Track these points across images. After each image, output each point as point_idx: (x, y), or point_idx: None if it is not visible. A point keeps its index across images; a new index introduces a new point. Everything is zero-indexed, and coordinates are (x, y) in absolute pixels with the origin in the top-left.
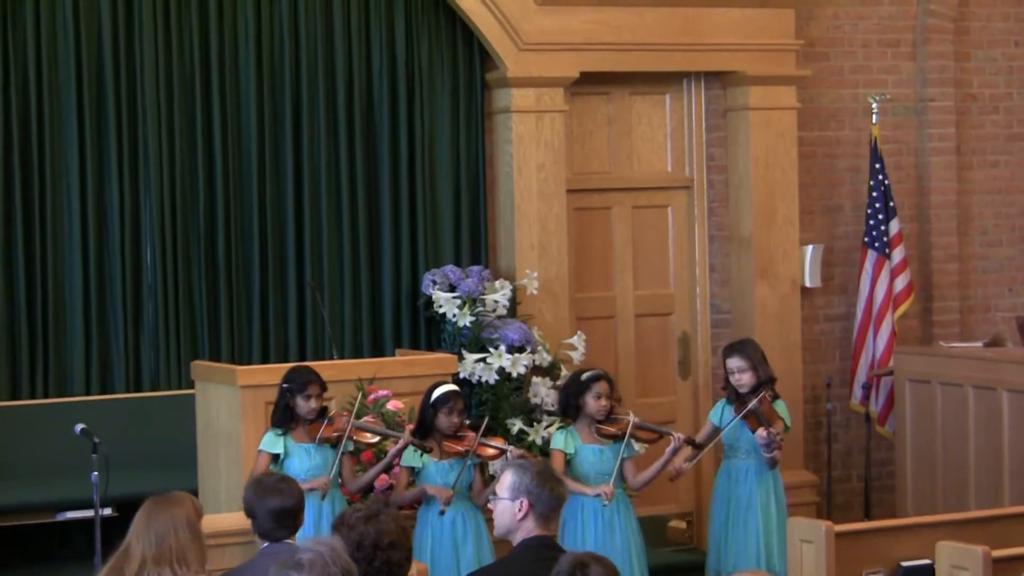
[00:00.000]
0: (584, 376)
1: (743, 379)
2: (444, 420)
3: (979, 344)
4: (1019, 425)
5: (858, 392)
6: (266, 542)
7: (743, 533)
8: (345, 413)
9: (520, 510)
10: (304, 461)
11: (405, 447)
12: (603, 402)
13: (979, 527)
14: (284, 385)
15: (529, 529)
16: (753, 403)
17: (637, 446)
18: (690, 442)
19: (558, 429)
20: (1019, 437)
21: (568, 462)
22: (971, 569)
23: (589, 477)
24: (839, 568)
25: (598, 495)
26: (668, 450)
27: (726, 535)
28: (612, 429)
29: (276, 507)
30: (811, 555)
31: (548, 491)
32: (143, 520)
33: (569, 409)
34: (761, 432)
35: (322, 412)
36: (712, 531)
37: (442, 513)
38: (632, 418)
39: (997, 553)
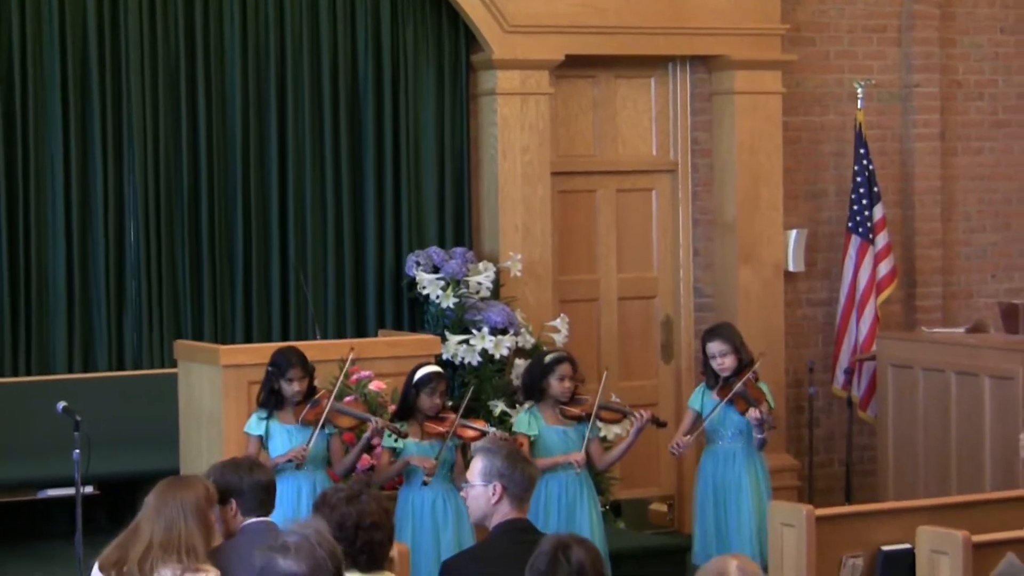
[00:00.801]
0: (547, 359)
1: (726, 362)
2: (426, 401)
3: (962, 330)
4: (1000, 411)
5: (840, 377)
6: (248, 519)
7: (736, 517)
8: (325, 395)
9: (494, 494)
10: (285, 443)
11: (380, 431)
12: (567, 384)
13: (960, 512)
14: (269, 368)
15: (505, 512)
16: (739, 386)
17: (602, 427)
18: (655, 421)
19: (522, 412)
20: (1000, 423)
21: (532, 444)
22: (951, 554)
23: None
24: (820, 552)
25: (570, 464)
26: (633, 430)
27: (716, 520)
28: (576, 410)
29: (262, 482)
30: (792, 539)
31: (520, 472)
32: (154, 502)
33: (533, 392)
34: (753, 412)
35: (309, 394)
36: (700, 517)
37: (425, 483)
38: (597, 398)
39: (977, 538)
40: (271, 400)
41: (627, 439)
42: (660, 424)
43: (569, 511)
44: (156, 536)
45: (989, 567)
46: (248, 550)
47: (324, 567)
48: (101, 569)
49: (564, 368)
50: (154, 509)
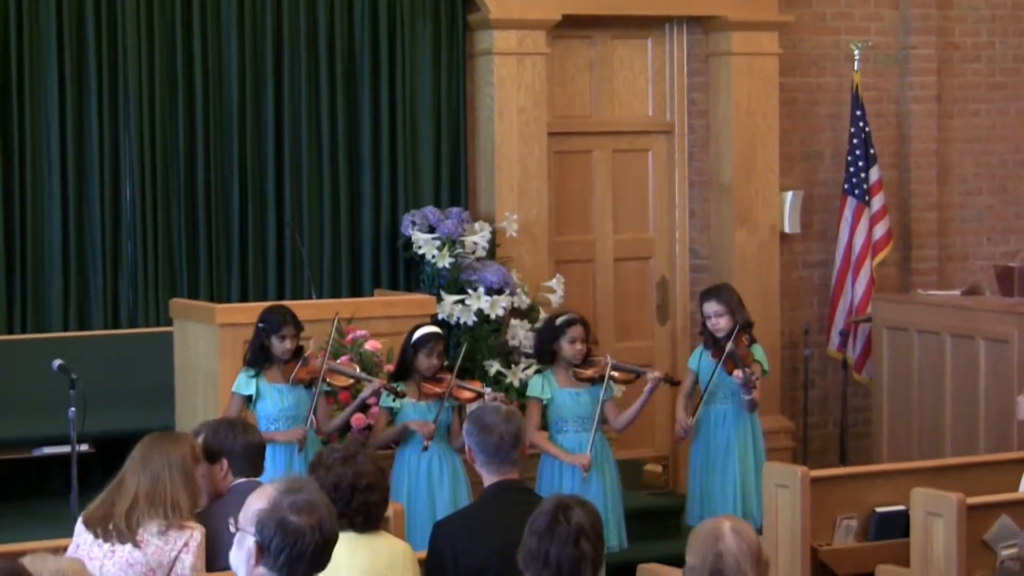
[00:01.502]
0: (559, 321)
1: (720, 323)
2: (424, 361)
3: (957, 292)
4: (995, 374)
5: (835, 339)
6: (238, 480)
7: (721, 479)
8: (320, 354)
9: (471, 458)
10: (276, 402)
11: (378, 391)
12: (578, 346)
13: (954, 474)
14: (259, 325)
15: (489, 475)
16: (729, 346)
17: (615, 387)
18: (667, 379)
19: (535, 375)
20: (995, 386)
21: (545, 407)
22: (945, 516)
23: (567, 421)
24: (814, 513)
25: (574, 465)
26: (646, 389)
27: (706, 481)
28: (589, 372)
29: (254, 443)
30: (786, 500)
31: (479, 433)
32: (140, 456)
33: (544, 354)
34: (737, 372)
35: (297, 352)
36: (692, 477)
37: (425, 448)
38: (609, 359)
39: (971, 500)
40: (260, 358)
41: (640, 398)
42: (673, 383)
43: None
44: (142, 489)
45: (983, 529)
46: (235, 509)
47: (327, 527)
48: (87, 524)
49: (575, 330)
50: (139, 463)
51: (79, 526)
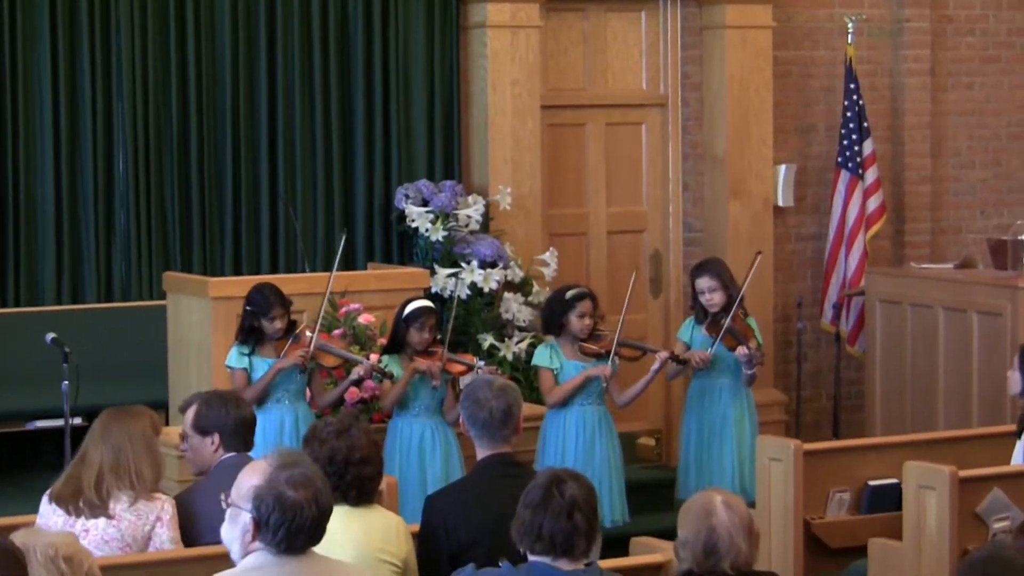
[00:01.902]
0: (569, 294)
1: (714, 298)
2: (415, 335)
3: (950, 266)
4: (988, 347)
5: (829, 312)
6: (226, 455)
7: (718, 452)
8: (311, 329)
9: (466, 432)
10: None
11: (368, 374)
12: (587, 321)
13: (947, 447)
14: (248, 308)
15: (482, 448)
16: (727, 321)
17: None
18: (674, 359)
19: (540, 345)
20: (988, 359)
21: (555, 377)
22: (938, 489)
23: (574, 395)
24: (807, 487)
25: (597, 376)
26: (653, 368)
27: (700, 454)
28: (595, 347)
29: (246, 417)
30: (779, 473)
31: (471, 407)
32: (99, 430)
33: (552, 327)
34: (742, 349)
35: (290, 328)
36: (684, 451)
37: (435, 388)
38: (618, 335)
39: (964, 473)
40: (252, 338)
41: (646, 376)
42: (680, 362)
43: (588, 446)
44: (105, 461)
45: (975, 502)
46: (223, 484)
47: (323, 501)
48: (57, 502)
49: (584, 305)
50: (99, 436)
51: (44, 506)
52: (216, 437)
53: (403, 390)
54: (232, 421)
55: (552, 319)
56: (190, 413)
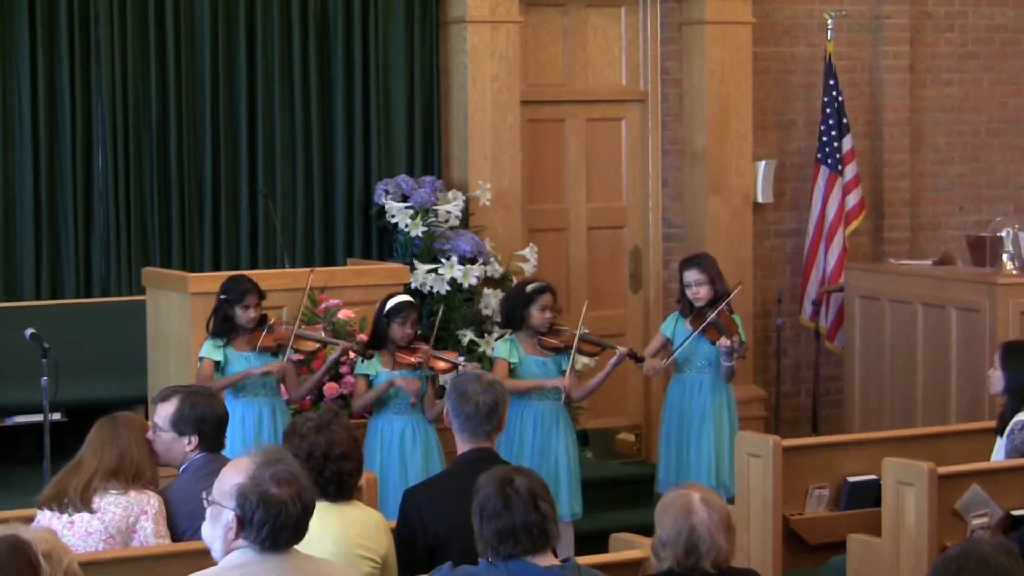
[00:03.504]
0: (529, 288)
1: (701, 292)
2: (397, 331)
3: (929, 262)
4: (967, 343)
5: (808, 308)
6: (200, 453)
7: (696, 447)
8: (287, 321)
9: (448, 423)
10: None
11: (343, 353)
12: (547, 314)
13: (925, 443)
14: (221, 296)
15: (463, 442)
16: (712, 315)
17: (579, 359)
18: (632, 355)
19: (501, 339)
20: (966, 355)
21: (512, 372)
22: (916, 485)
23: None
24: (786, 482)
25: (553, 388)
26: (610, 362)
27: (679, 449)
28: (555, 341)
29: (224, 417)
30: (758, 469)
31: (457, 400)
32: (104, 435)
33: (513, 320)
34: (724, 340)
35: (261, 320)
36: (663, 445)
37: (413, 404)
38: (579, 331)
39: (942, 469)
40: (224, 329)
41: (603, 371)
42: (638, 359)
43: (545, 440)
44: (104, 464)
45: (954, 498)
46: (197, 484)
47: (306, 497)
48: (41, 505)
49: (545, 298)
50: (103, 441)
51: (38, 515)
52: (194, 439)
53: (376, 398)
54: (212, 424)
55: (512, 312)
56: (168, 408)
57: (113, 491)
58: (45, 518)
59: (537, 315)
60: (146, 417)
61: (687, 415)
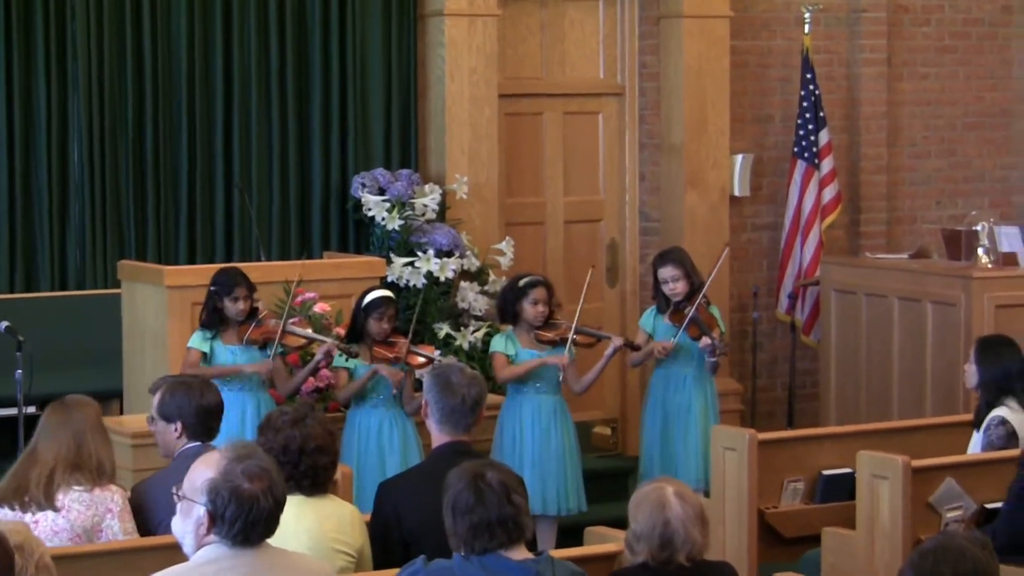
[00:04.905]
0: (522, 282)
1: (678, 288)
2: (375, 326)
3: (905, 256)
4: (942, 337)
5: (784, 302)
6: (190, 442)
7: (682, 441)
8: (275, 316)
9: (426, 414)
10: (230, 363)
11: (331, 351)
12: (540, 308)
13: (900, 437)
14: (212, 288)
15: (441, 434)
16: (691, 311)
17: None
18: (628, 344)
19: (497, 334)
20: (942, 349)
21: (511, 363)
22: (891, 478)
23: (528, 382)
24: (761, 476)
25: (555, 373)
26: (607, 352)
27: (664, 443)
28: (550, 335)
29: (211, 404)
30: (734, 463)
31: (440, 391)
32: (55, 420)
33: (506, 315)
34: (706, 340)
35: (251, 314)
36: (647, 438)
37: (394, 394)
38: (575, 322)
39: (917, 463)
40: (214, 320)
41: (600, 362)
42: (635, 347)
43: (544, 433)
44: (62, 454)
45: (928, 491)
46: (182, 475)
47: (278, 491)
48: (1, 503)
49: (538, 292)
50: (57, 427)
51: None
52: (178, 425)
53: (360, 388)
54: (194, 410)
55: (506, 307)
56: (156, 397)
57: (77, 487)
58: (7, 517)
59: (530, 309)
60: (121, 411)
61: (671, 409)
